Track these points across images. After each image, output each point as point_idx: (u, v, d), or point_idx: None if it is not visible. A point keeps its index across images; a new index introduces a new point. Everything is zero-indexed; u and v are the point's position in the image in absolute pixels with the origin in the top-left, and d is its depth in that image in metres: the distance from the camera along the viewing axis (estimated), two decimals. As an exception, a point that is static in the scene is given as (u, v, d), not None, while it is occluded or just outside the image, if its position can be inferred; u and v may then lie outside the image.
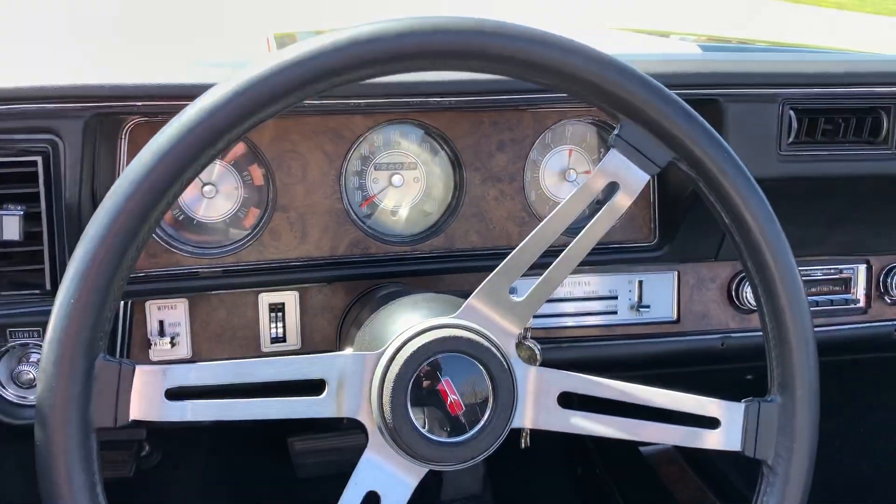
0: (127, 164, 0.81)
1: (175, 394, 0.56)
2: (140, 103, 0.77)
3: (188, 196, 0.86)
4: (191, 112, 0.55)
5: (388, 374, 0.59)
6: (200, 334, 0.88)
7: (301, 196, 0.87)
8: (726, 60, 0.92)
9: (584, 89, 0.59)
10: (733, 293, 0.97)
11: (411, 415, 0.59)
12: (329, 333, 0.91)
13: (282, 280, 0.88)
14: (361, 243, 0.88)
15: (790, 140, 0.87)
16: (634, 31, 1.44)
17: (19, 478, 0.90)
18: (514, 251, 0.62)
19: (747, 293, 0.96)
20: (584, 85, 0.59)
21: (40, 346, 0.80)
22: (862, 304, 1.01)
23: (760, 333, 0.99)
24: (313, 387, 0.60)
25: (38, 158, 0.74)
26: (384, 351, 0.61)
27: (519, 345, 0.64)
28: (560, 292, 0.96)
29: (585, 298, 0.96)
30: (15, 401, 0.81)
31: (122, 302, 0.83)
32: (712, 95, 0.86)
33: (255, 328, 0.89)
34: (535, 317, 0.85)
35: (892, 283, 0.98)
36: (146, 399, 0.55)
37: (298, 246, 0.87)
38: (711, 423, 0.62)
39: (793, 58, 0.98)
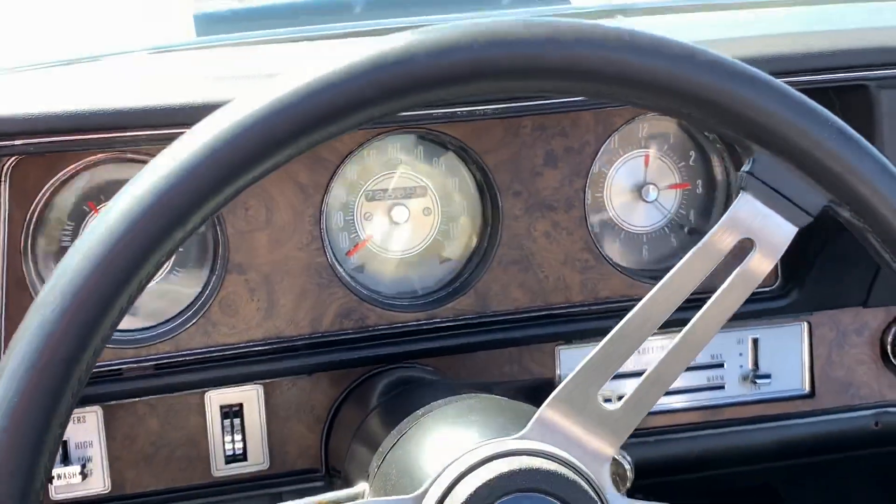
0: (6, 215, 0.57)
1: None
2: (19, 142, 0.55)
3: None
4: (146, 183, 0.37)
5: None
6: (123, 457, 0.63)
7: (265, 248, 0.63)
8: (874, 27, 0.68)
9: (698, 110, 0.42)
10: (889, 349, 0.69)
11: None
12: (310, 444, 0.66)
13: (240, 375, 0.63)
14: (355, 312, 0.63)
15: None
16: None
17: None
18: (608, 338, 0.43)
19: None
20: (698, 104, 0.42)
21: None
22: None
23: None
24: None
25: None
26: (425, 494, 0.44)
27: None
28: (639, 361, 0.68)
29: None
30: None
31: None
32: (859, 80, 0.64)
33: (203, 443, 0.64)
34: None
35: None
36: None
37: (263, 322, 0.63)
38: None
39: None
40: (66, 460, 0.62)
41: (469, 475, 0.44)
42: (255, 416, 0.64)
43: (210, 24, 0.92)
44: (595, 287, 0.65)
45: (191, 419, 0.64)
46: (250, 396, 0.64)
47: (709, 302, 0.44)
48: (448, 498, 0.43)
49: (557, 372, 0.68)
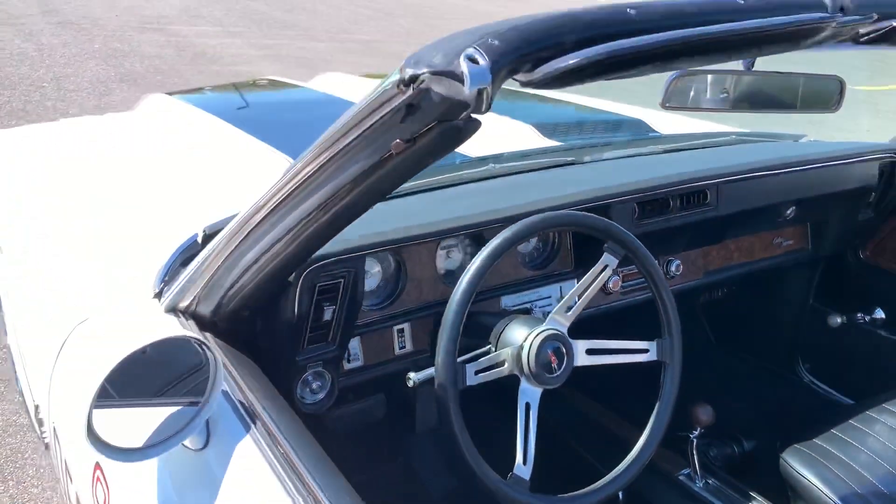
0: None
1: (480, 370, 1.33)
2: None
3: (368, 282, 1.56)
4: (485, 252, 1.33)
5: (530, 353, 1.35)
6: (367, 353, 1.58)
7: (419, 271, 1.59)
8: (613, 185, 1.73)
9: (596, 233, 1.46)
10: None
11: (542, 369, 1.39)
12: (425, 339, 1.64)
13: (410, 317, 1.59)
14: (445, 292, 1.66)
15: (636, 216, 1.80)
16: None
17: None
18: (568, 295, 1.46)
19: (609, 283, 1.89)
20: (599, 232, 1.45)
21: (322, 373, 1.48)
22: None
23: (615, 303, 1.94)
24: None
25: (341, 280, 1.41)
26: (524, 344, 1.33)
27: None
28: (530, 297, 1.81)
29: (539, 299, 1.78)
30: (309, 401, 1.48)
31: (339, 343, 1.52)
32: (607, 205, 1.70)
33: (391, 344, 1.57)
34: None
35: (669, 269, 2.00)
36: (469, 374, 1.31)
37: (419, 297, 1.58)
38: (646, 351, 1.53)
39: (641, 174, 1.84)
40: (349, 357, 1.56)
41: (539, 336, 1.30)
42: (408, 332, 1.59)
43: None
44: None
45: (387, 336, 1.58)
46: (408, 326, 1.62)
47: (592, 285, 1.47)
48: (533, 343, 1.29)
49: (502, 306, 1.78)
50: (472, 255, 1.67)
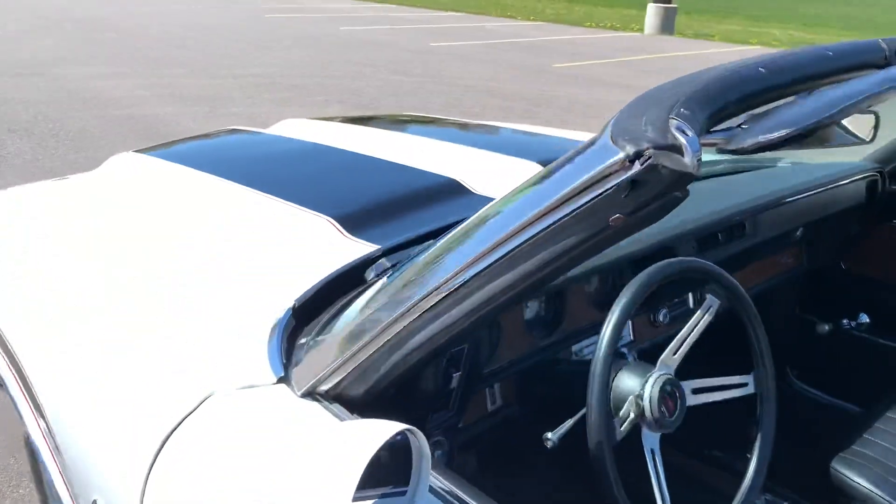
0: None
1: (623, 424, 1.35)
2: None
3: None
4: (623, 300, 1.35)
5: (651, 400, 1.40)
6: (466, 413, 1.58)
7: (511, 327, 1.61)
8: (671, 226, 1.76)
9: (706, 279, 1.51)
10: (652, 318, 1.96)
11: (662, 414, 1.43)
12: (512, 393, 1.67)
13: (503, 374, 1.62)
14: (530, 343, 1.67)
15: (694, 252, 1.88)
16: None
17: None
18: (672, 343, 1.51)
19: (659, 316, 1.96)
20: (710, 278, 1.51)
21: (441, 441, 1.45)
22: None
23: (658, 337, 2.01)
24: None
25: (465, 346, 1.39)
26: (642, 392, 1.35)
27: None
28: (594, 340, 1.84)
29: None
30: None
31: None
32: (672, 246, 1.80)
33: (484, 401, 1.62)
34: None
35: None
36: (618, 429, 1.33)
37: (511, 353, 1.57)
38: (745, 385, 1.58)
39: (686, 210, 1.95)
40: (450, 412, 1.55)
41: (657, 382, 1.34)
42: (498, 388, 1.63)
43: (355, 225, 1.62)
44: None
45: (481, 394, 1.59)
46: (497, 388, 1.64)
47: (697, 327, 1.49)
48: (653, 389, 1.33)
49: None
50: (547, 304, 1.69)
